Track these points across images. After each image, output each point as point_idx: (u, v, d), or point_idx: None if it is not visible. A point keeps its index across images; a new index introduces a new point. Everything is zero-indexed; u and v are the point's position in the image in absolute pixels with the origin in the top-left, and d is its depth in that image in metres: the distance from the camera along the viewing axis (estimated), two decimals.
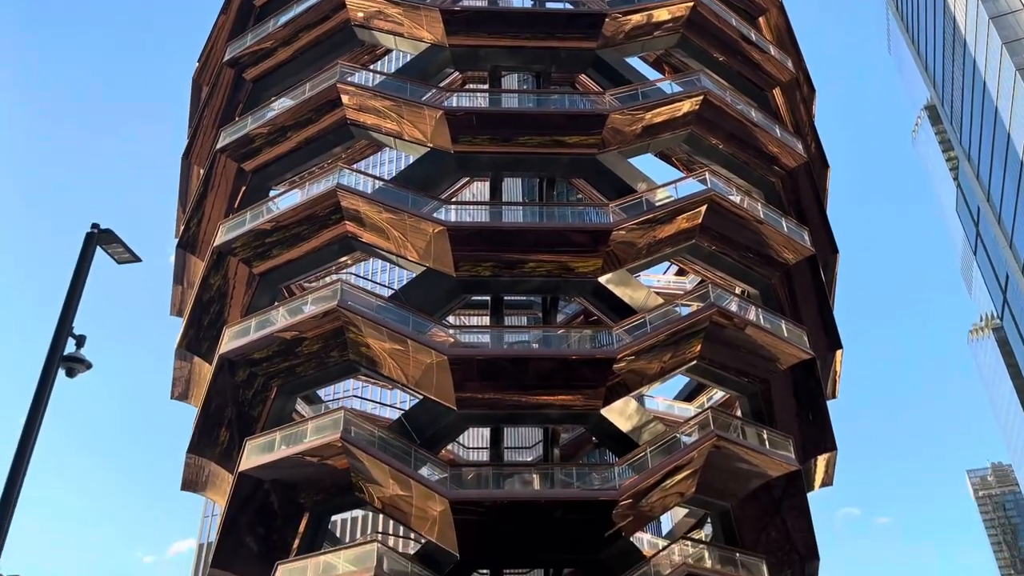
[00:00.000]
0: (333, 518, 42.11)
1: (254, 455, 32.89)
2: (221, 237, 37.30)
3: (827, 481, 38.80)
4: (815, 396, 36.31)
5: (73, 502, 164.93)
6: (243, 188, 41.34)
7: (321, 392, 45.56)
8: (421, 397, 35.52)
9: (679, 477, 32.39)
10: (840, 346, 39.37)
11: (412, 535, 42.15)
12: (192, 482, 38.65)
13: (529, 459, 50.64)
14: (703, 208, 35.71)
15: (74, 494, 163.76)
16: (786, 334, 35.44)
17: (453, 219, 35.71)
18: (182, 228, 41.81)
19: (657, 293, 39.83)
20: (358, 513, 64.59)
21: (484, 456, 49.52)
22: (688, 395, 46.06)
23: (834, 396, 41.61)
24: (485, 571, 39.54)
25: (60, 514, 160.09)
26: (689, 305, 35.52)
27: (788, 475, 33.18)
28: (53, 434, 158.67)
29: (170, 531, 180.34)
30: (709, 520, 39.17)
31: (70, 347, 9.19)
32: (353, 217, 35.95)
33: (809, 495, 35.56)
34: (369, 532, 60.99)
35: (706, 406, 39.58)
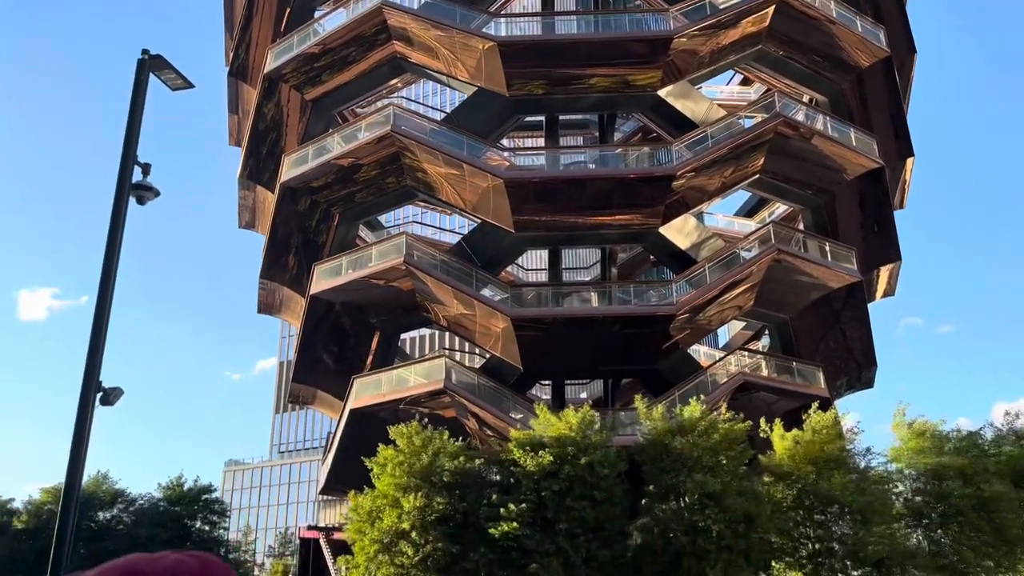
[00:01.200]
0: (402, 336, 44.33)
1: (323, 279, 34.25)
2: (270, 63, 36.75)
3: (889, 291, 38.65)
4: (882, 207, 35.38)
5: (160, 328, 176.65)
6: (288, 10, 40.11)
7: (382, 218, 46.47)
8: (479, 221, 35.88)
9: (737, 291, 32.64)
10: (912, 154, 37.74)
11: (477, 351, 44.19)
12: (268, 305, 40.80)
13: (587, 279, 51.45)
14: (771, 9, 33.30)
15: (162, 319, 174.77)
16: (854, 143, 34.02)
17: (504, 34, 34.25)
18: (231, 56, 41.24)
19: (720, 105, 38.27)
20: (425, 331, 67.62)
21: (543, 277, 50.54)
22: (749, 211, 45.38)
23: (902, 206, 40.43)
24: (547, 382, 41.62)
25: (148, 339, 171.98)
26: (753, 116, 34.12)
27: (849, 286, 33.10)
28: (133, 266, 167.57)
29: (254, 351, 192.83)
30: (767, 332, 39.85)
31: (137, 177, 9.44)
32: (401, 36, 34.78)
33: (870, 306, 35.62)
34: (436, 349, 64.13)
35: (767, 221, 38.99)
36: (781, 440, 26.03)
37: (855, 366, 37.03)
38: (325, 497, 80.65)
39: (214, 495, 39.02)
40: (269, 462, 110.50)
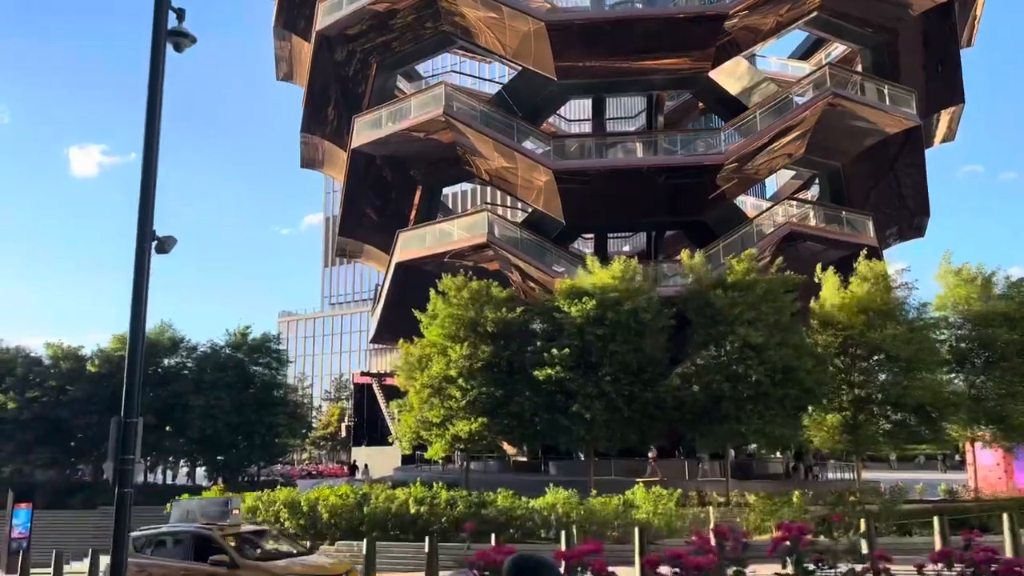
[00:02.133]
0: (444, 191, 44.28)
1: (363, 132, 33.94)
2: None
3: (949, 137, 36.99)
4: (948, 44, 33.17)
5: (209, 185, 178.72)
6: None
7: (420, 68, 45.20)
8: (520, 69, 34.70)
9: (788, 139, 31.54)
10: None
11: (519, 205, 44.05)
12: (310, 160, 40.84)
13: (632, 129, 50.04)
14: None
15: (210, 176, 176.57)
16: None
17: None
18: None
19: None
20: (467, 186, 67.45)
21: (586, 128, 49.28)
22: (804, 53, 42.93)
23: (970, 44, 37.82)
24: (589, 236, 41.61)
25: (197, 196, 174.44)
26: None
27: (907, 131, 31.71)
28: (178, 124, 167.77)
29: (301, 207, 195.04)
30: (816, 181, 38.80)
31: (172, 23, 9.20)
32: None
33: (927, 152, 34.23)
34: (479, 204, 64.12)
35: (823, 63, 36.95)
36: (834, 290, 25.95)
37: (907, 215, 36.13)
38: (375, 346, 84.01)
39: (274, 345, 40.85)
40: (321, 313, 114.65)
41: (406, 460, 40.41)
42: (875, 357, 25.77)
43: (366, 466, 45.02)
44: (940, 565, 4.00)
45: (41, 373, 36.29)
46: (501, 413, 24.17)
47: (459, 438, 24.48)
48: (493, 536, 17.56)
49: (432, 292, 26.62)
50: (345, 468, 57.42)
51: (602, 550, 4.19)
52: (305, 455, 76.64)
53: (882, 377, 25.93)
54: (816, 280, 26.50)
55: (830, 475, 38.01)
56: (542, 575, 3.24)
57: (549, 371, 24.23)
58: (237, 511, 17.53)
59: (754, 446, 33.88)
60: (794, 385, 24.24)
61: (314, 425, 62.88)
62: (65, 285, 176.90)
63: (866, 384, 25.83)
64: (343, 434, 67.88)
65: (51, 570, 22.94)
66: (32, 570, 23.78)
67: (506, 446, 32.97)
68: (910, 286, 27.02)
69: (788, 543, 3.97)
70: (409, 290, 31.57)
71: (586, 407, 24.14)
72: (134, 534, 13.83)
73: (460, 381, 23.58)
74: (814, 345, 25.58)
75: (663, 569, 3.81)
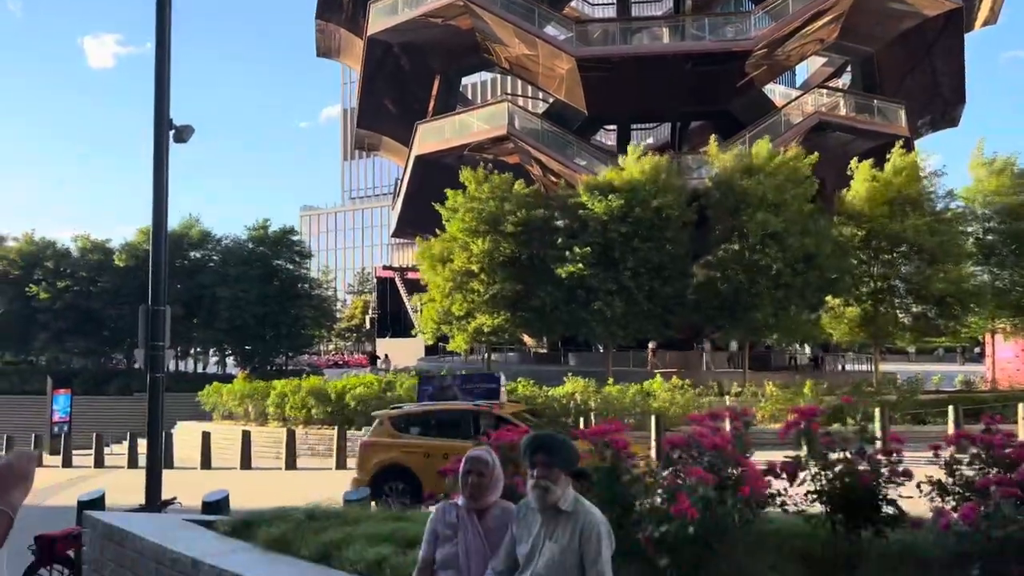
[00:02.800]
0: (463, 82, 43.20)
1: (380, 19, 32.88)
2: None
3: (991, 19, 35.16)
4: None
5: (224, 76, 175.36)
6: None
7: None
8: None
9: (821, 22, 30.15)
10: None
11: (540, 96, 42.97)
12: (326, 48, 39.82)
13: (658, 13, 48.00)
14: None
15: (224, 67, 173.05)
16: None
17: None
18: None
19: None
20: (487, 76, 65.82)
21: (611, 12, 47.32)
22: None
23: None
24: (612, 127, 40.70)
25: (212, 88, 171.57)
26: None
27: (947, 14, 30.15)
28: (193, 10, 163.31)
29: (319, 99, 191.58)
30: (848, 69, 37.36)
31: None
32: None
33: (966, 36, 32.65)
34: (499, 94, 62.66)
35: None
36: (863, 179, 25.45)
37: (940, 104, 34.88)
38: (397, 240, 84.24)
39: (295, 238, 41.16)
40: (342, 207, 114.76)
41: (429, 351, 41.24)
42: (898, 249, 25.51)
43: (386, 356, 46.08)
44: (953, 448, 4.04)
45: (70, 264, 37.01)
46: (522, 307, 24.42)
47: (481, 331, 24.84)
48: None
49: (451, 185, 26.42)
50: (366, 359, 58.84)
51: (623, 428, 4.23)
52: (331, 346, 78.46)
53: (904, 269, 25.77)
54: (848, 173, 25.98)
55: (847, 367, 38.41)
56: (558, 450, 3.25)
57: (571, 268, 24.27)
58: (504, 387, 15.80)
59: (772, 339, 34.16)
60: (815, 273, 24.16)
61: (338, 317, 64.01)
62: (92, 180, 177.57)
63: (887, 276, 25.69)
64: (367, 326, 69.20)
65: (92, 451, 24.15)
66: (74, 452, 24.98)
67: (526, 338, 33.50)
68: (939, 174, 26.46)
69: (801, 425, 4.01)
70: (429, 184, 31.35)
71: (607, 303, 24.30)
72: (393, 413, 13.01)
73: (482, 276, 23.73)
74: (837, 236, 25.34)
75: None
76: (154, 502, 7.47)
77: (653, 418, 17.50)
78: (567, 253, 24.63)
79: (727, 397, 22.69)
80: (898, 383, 23.57)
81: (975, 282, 26.22)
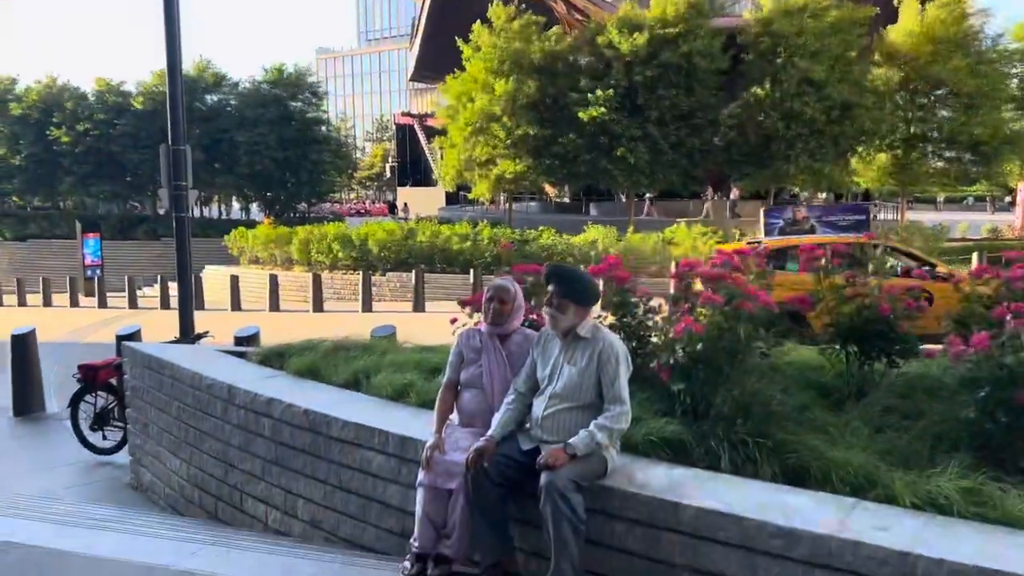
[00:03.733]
0: None
1: None
2: None
3: None
4: None
5: None
6: None
7: None
8: None
9: None
10: None
11: None
12: None
13: None
14: None
15: None
16: None
17: None
18: None
19: None
20: None
21: None
22: None
23: None
24: None
25: None
26: None
27: None
28: None
29: None
30: None
31: None
32: None
33: None
34: None
35: None
36: (912, 15, 24.07)
37: None
38: (416, 85, 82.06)
39: (311, 79, 40.23)
40: (359, 50, 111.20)
41: (450, 200, 41.26)
42: (936, 92, 24.50)
43: (405, 205, 46.23)
44: (973, 280, 4.05)
45: (88, 107, 36.67)
46: (545, 154, 24.03)
47: (503, 178, 24.62)
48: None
49: (477, 23, 25.28)
50: (385, 207, 59.06)
51: (620, 263, 4.29)
52: (352, 194, 78.57)
53: (941, 114, 24.87)
54: (895, 2, 24.50)
55: (875, 217, 38.02)
56: (576, 280, 3.36)
57: (594, 112, 23.64)
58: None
59: (796, 188, 33.68)
60: (851, 123, 23.43)
61: (358, 165, 63.66)
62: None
63: (923, 121, 24.85)
64: (387, 174, 68.90)
65: (125, 294, 24.96)
66: (108, 294, 25.83)
67: (548, 188, 33.27)
68: (988, 13, 24.91)
69: (822, 260, 4.01)
70: (449, 22, 30.05)
71: (630, 150, 23.85)
72: (775, 244, 10.61)
73: (504, 119, 23.19)
74: (873, 80, 24.32)
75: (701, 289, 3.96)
76: (187, 335, 7.77)
77: (673, 264, 17.67)
78: (590, 96, 23.93)
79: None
80: (924, 230, 23.38)
81: (1014, 127, 25.32)
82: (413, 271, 20.58)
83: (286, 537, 4.45)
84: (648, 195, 29.14)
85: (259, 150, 35.58)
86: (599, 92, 23.64)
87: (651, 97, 23.77)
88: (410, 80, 59.08)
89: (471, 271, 19.15)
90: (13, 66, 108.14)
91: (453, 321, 4.52)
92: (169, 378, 5.62)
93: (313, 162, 37.63)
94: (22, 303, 27.08)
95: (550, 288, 3.36)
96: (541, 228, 22.35)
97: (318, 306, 20.44)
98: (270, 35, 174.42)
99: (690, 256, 20.15)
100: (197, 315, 9.63)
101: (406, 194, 51.08)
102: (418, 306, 19.28)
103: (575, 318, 3.33)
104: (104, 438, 7.20)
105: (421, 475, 3.44)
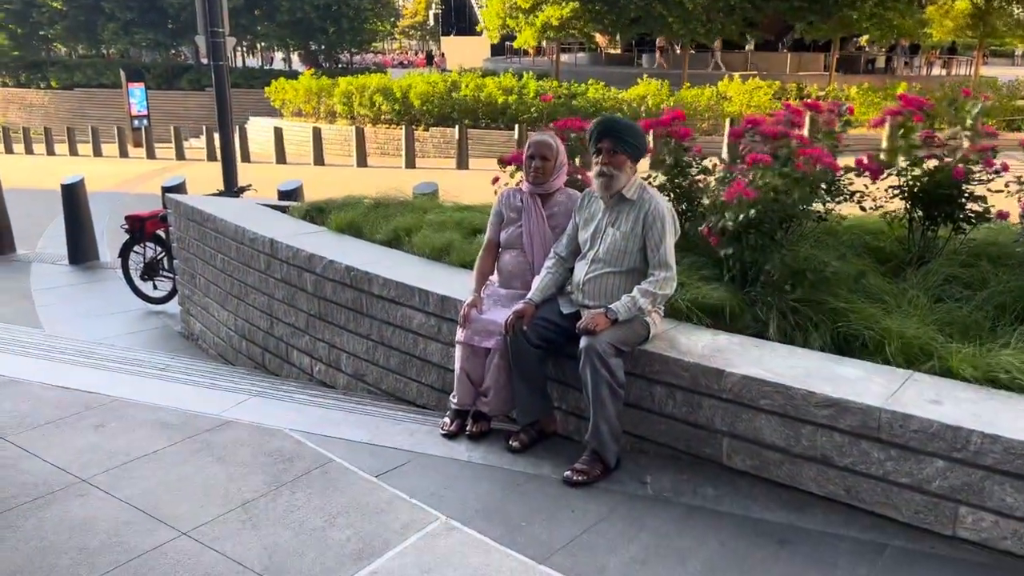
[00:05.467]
0: None
1: None
2: None
3: None
4: None
5: None
6: None
7: None
8: None
9: None
10: None
11: None
12: None
13: None
14: None
15: None
16: None
17: None
18: None
19: None
20: None
21: None
22: None
23: None
24: None
25: None
26: None
27: None
28: None
29: None
30: None
31: None
32: None
33: None
34: None
35: None
36: None
37: None
38: None
39: None
40: None
41: (495, 51, 39.76)
42: None
43: (442, 55, 44.81)
44: None
45: None
46: None
47: (549, 25, 23.42)
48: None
49: None
50: (423, 59, 57.36)
51: (684, 117, 4.02)
52: (395, 44, 76.29)
53: None
54: None
55: (939, 73, 35.76)
56: (625, 135, 3.10)
57: None
58: None
59: (863, 39, 31.60)
60: None
61: (401, 14, 61.34)
62: None
63: None
64: (431, 23, 66.41)
65: (172, 145, 25.08)
66: (155, 144, 26.00)
67: (598, 38, 31.71)
68: None
69: (901, 115, 3.69)
70: None
71: None
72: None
73: None
74: None
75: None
76: (231, 188, 7.76)
77: (727, 121, 16.98)
78: None
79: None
80: (999, 87, 21.92)
81: None
82: (456, 127, 20.17)
83: (330, 389, 4.56)
84: (714, 46, 27.56)
85: None
86: None
87: None
88: None
89: (516, 127, 18.66)
90: None
91: (495, 180, 4.37)
92: (213, 231, 5.63)
93: (354, 9, 36.27)
94: (73, 153, 27.48)
95: (601, 144, 3.11)
96: (590, 81, 21.51)
97: (362, 161, 20.32)
98: None
99: (744, 112, 19.34)
100: (242, 168, 9.61)
101: (449, 44, 49.39)
102: (461, 163, 19.03)
103: (629, 177, 3.12)
104: (155, 288, 7.38)
105: (459, 333, 3.42)
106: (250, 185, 7.32)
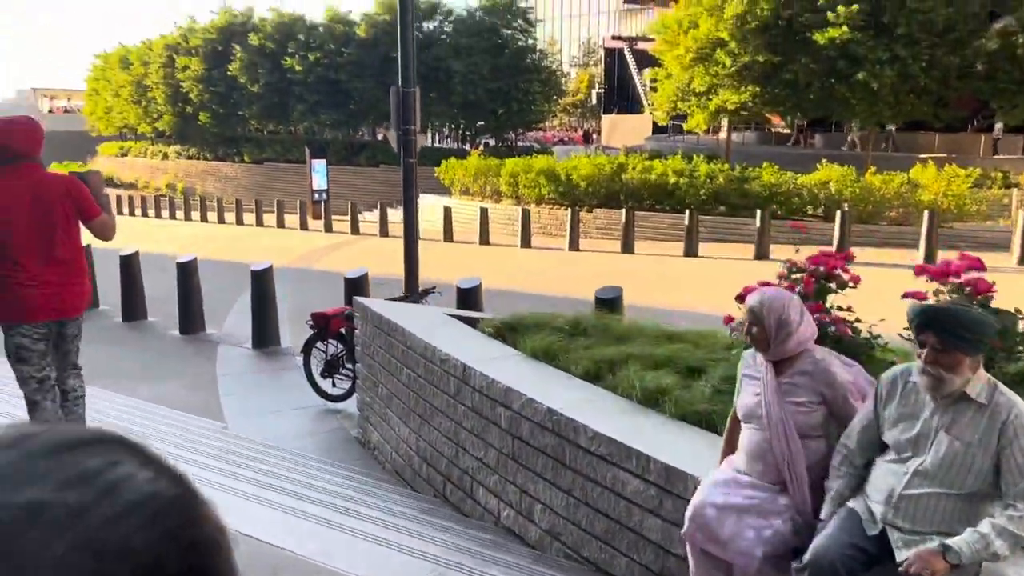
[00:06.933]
0: None
1: None
2: None
3: None
4: None
5: None
6: None
7: None
8: None
9: None
10: None
11: None
12: None
13: None
14: None
15: None
16: None
17: None
18: None
19: None
20: None
21: None
22: None
23: None
24: None
25: None
26: None
27: None
28: None
29: None
30: None
31: None
32: None
33: None
34: None
35: None
36: None
37: None
38: (627, 6, 79.17)
39: (523, 4, 39.58)
40: None
41: (657, 129, 39.56)
42: None
43: (598, 135, 45.10)
44: None
45: (318, 37, 38.57)
46: (773, 82, 21.91)
47: (724, 109, 22.83)
48: (758, 212, 17.00)
49: None
50: (581, 136, 58.00)
51: (983, 266, 3.30)
52: (555, 121, 78.13)
53: None
54: None
55: None
56: (968, 324, 2.40)
57: (833, 32, 21.10)
58: None
59: None
60: None
61: (565, 92, 62.82)
62: None
63: None
64: (592, 101, 67.52)
65: (348, 218, 26.38)
66: (333, 216, 27.49)
67: (771, 118, 30.78)
68: None
69: None
70: None
71: (873, 75, 21.14)
72: None
73: (731, 45, 21.24)
74: None
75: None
76: (413, 292, 7.66)
77: (926, 214, 15.57)
78: (829, 15, 21.36)
79: (1014, 190, 19.60)
80: None
81: None
82: (622, 209, 19.83)
83: (519, 540, 4.10)
84: (890, 127, 25.97)
85: (473, 80, 35.74)
86: (840, 9, 21.04)
87: (901, 11, 20.84)
88: (626, 1, 56.92)
89: (687, 212, 18.06)
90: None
91: (727, 320, 3.83)
92: (400, 343, 5.42)
93: (523, 91, 37.32)
94: (259, 223, 29.54)
95: (924, 337, 2.44)
96: (764, 164, 20.63)
97: (526, 241, 20.35)
98: None
99: (940, 202, 17.72)
100: None
101: (610, 122, 49.79)
102: (627, 247, 18.59)
103: (969, 374, 2.42)
104: (333, 385, 7.32)
105: (687, 524, 2.85)
106: (434, 287, 7.18)
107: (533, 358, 4.68)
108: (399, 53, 8.04)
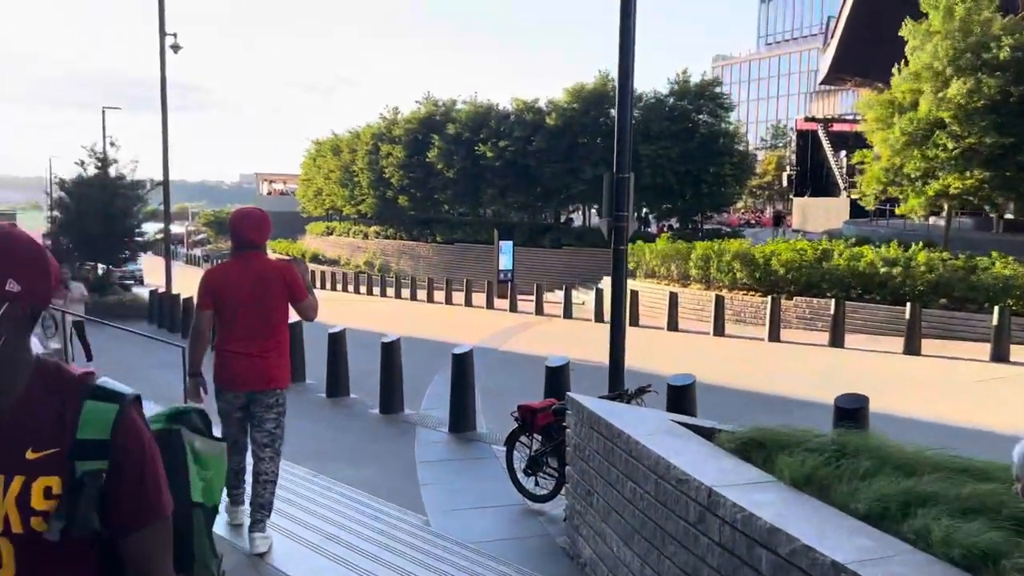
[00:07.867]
0: None
1: None
2: None
3: None
4: None
5: None
6: None
7: None
8: None
9: None
10: None
11: None
12: None
13: None
14: None
15: None
16: None
17: None
18: None
19: None
20: None
21: None
22: None
23: None
24: None
25: None
26: None
27: None
28: None
29: None
30: None
31: None
32: None
33: None
34: None
35: None
36: None
37: None
38: (819, 88, 76.70)
39: (717, 89, 39.12)
40: (757, 54, 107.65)
41: (856, 213, 37.11)
42: None
43: (786, 218, 42.90)
44: None
45: (508, 125, 40.10)
46: (1005, 164, 19.74)
47: (945, 194, 20.85)
48: (996, 308, 15.05)
49: (904, 14, 21.73)
50: (771, 219, 55.65)
51: None
52: (740, 204, 76.12)
53: None
54: None
55: None
56: None
57: None
58: None
59: None
60: None
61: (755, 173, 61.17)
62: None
63: None
64: (783, 183, 65.18)
65: (532, 298, 26.50)
66: (518, 297, 27.74)
67: (1000, 202, 27.89)
68: None
69: None
70: (875, 16, 26.71)
71: None
72: None
73: (954, 126, 19.48)
74: None
75: None
76: (618, 387, 7.15)
77: None
78: None
79: None
80: None
81: None
82: (830, 298, 18.36)
83: None
84: None
85: (662, 163, 35.50)
86: None
87: None
88: (822, 83, 55.08)
89: (907, 304, 16.36)
90: (447, 90, 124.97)
91: None
92: (623, 451, 4.88)
93: (714, 175, 36.53)
94: (448, 301, 30.43)
95: None
96: (993, 253, 18.49)
97: (719, 329, 19.32)
98: (666, 46, 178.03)
99: None
100: (596, 328, 9.14)
101: (802, 205, 47.56)
102: (836, 340, 17.06)
103: None
104: (536, 484, 6.86)
105: None
106: (650, 386, 6.62)
107: (794, 487, 3.96)
108: (615, 139, 7.79)
